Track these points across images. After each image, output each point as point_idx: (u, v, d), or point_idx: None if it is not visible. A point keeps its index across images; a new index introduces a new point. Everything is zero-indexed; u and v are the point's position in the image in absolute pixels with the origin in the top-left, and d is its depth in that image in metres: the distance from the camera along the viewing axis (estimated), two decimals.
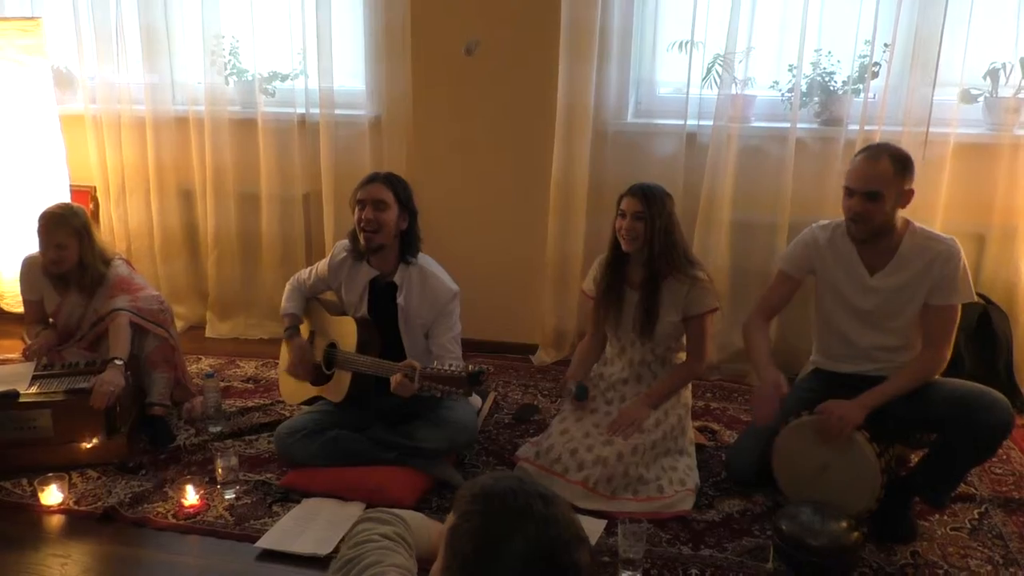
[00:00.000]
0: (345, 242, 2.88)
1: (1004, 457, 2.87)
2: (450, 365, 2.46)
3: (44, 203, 3.13)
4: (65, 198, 3.77)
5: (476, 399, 3.06)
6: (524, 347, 3.81)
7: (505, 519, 1.10)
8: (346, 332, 2.81)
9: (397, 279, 2.78)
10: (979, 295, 3.28)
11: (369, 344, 2.75)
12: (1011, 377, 3.27)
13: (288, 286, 3.04)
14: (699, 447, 2.86)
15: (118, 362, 2.86)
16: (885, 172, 2.34)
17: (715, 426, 3.14)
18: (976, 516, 2.54)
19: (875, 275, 2.46)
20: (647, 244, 2.65)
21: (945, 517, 2.52)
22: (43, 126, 3.81)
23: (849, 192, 2.40)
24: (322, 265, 2.97)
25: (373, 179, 2.76)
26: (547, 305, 3.72)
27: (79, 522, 2.54)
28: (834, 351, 2.61)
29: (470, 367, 2.41)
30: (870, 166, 2.35)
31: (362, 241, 2.74)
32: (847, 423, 2.34)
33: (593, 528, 2.43)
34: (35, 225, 3.02)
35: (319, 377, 2.88)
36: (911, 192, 2.39)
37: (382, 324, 2.80)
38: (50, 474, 2.62)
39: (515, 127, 3.61)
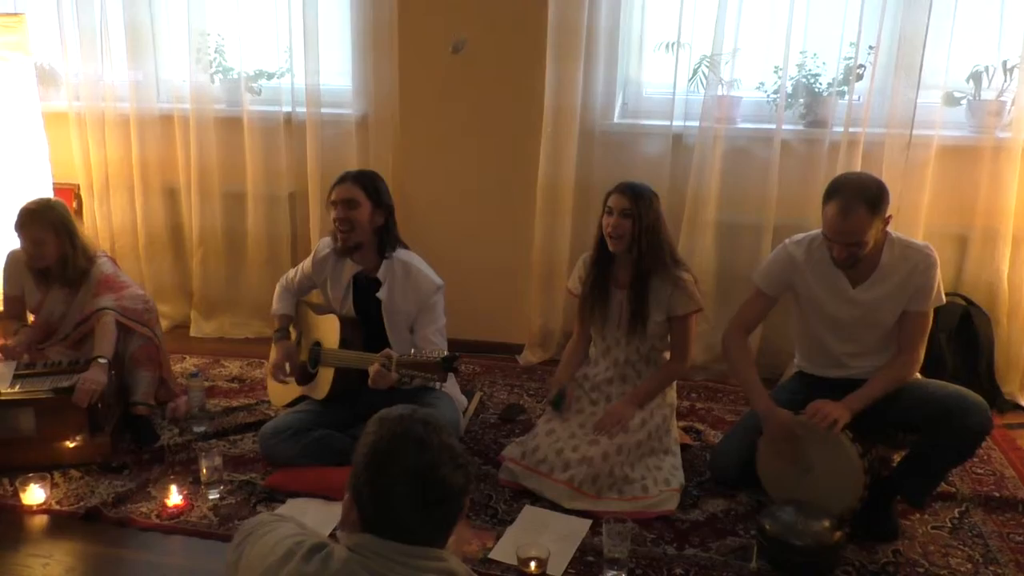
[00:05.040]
0: (328, 239, 2.88)
1: (984, 457, 2.90)
2: (424, 351, 2.49)
3: (27, 200, 3.09)
4: (48, 196, 3.74)
5: (462, 399, 3.06)
6: (510, 347, 3.81)
7: (388, 440, 1.28)
8: (330, 329, 2.81)
9: (380, 274, 2.79)
10: (961, 296, 3.31)
11: (351, 340, 2.75)
12: (992, 378, 3.31)
13: (277, 287, 3.05)
14: (684, 447, 2.87)
15: (102, 360, 2.84)
16: (860, 223, 2.30)
17: (700, 426, 3.15)
18: (957, 515, 2.56)
19: (857, 287, 2.47)
20: (634, 242, 2.66)
21: (926, 516, 2.54)
22: (26, 123, 3.77)
23: (829, 240, 2.39)
24: (307, 262, 2.98)
25: (343, 179, 2.76)
26: (533, 305, 3.72)
27: (61, 522, 2.52)
28: (818, 359, 2.63)
29: (444, 352, 2.43)
30: (844, 221, 2.31)
31: (339, 240, 2.75)
32: (835, 422, 2.36)
33: (578, 528, 2.44)
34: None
35: (304, 376, 2.88)
36: (889, 218, 2.39)
37: (367, 319, 2.81)
38: (31, 474, 2.60)
39: (502, 127, 3.61)
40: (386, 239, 2.79)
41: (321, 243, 2.95)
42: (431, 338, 2.74)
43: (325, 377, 2.78)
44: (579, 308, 2.86)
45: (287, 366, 2.86)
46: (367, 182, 2.75)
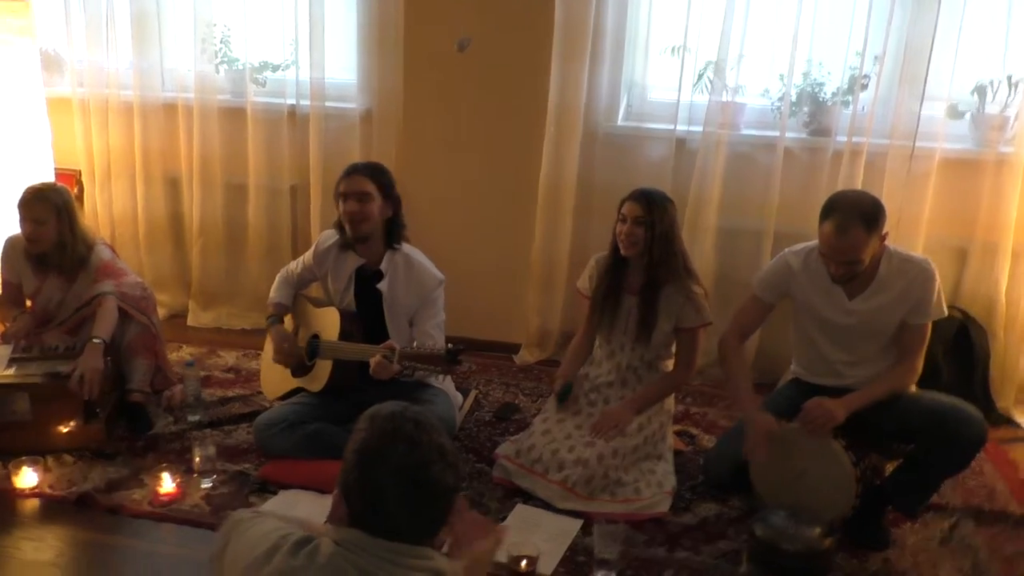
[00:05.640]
0: (331, 231, 2.89)
1: (977, 469, 2.90)
2: (428, 344, 2.49)
3: (28, 184, 3.09)
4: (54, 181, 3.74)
5: (457, 396, 3.06)
6: (507, 346, 3.81)
7: (379, 438, 1.29)
8: (329, 322, 2.81)
9: (383, 267, 2.79)
10: (958, 309, 3.32)
11: (351, 334, 2.76)
12: (987, 390, 3.32)
13: (277, 277, 3.06)
14: (677, 453, 2.87)
15: (96, 341, 2.83)
16: (858, 242, 2.31)
17: (694, 430, 3.15)
18: (947, 527, 2.57)
19: (854, 299, 2.48)
20: (647, 250, 2.66)
21: (917, 526, 2.55)
22: (29, 108, 3.77)
23: (827, 257, 2.40)
24: (308, 254, 2.99)
25: (354, 171, 2.77)
26: (532, 305, 3.72)
27: (53, 506, 2.52)
28: (814, 367, 2.64)
29: (448, 345, 2.44)
30: (841, 240, 2.31)
31: (349, 231, 2.75)
32: (830, 419, 2.36)
33: (569, 528, 2.44)
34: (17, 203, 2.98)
35: (300, 369, 2.88)
36: (886, 234, 2.40)
37: (368, 312, 2.81)
38: (24, 457, 2.60)
39: (505, 126, 3.61)
40: (393, 231, 2.80)
41: (323, 235, 2.95)
42: (431, 332, 2.75)
43: (323, 369, 2.78)
44: (589, 310, 2.86)
45: (286, 347, 2.85)
46: (377, 175, 2.76)
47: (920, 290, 2.41)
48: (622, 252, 2.70)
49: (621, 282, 2.77)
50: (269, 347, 3.00)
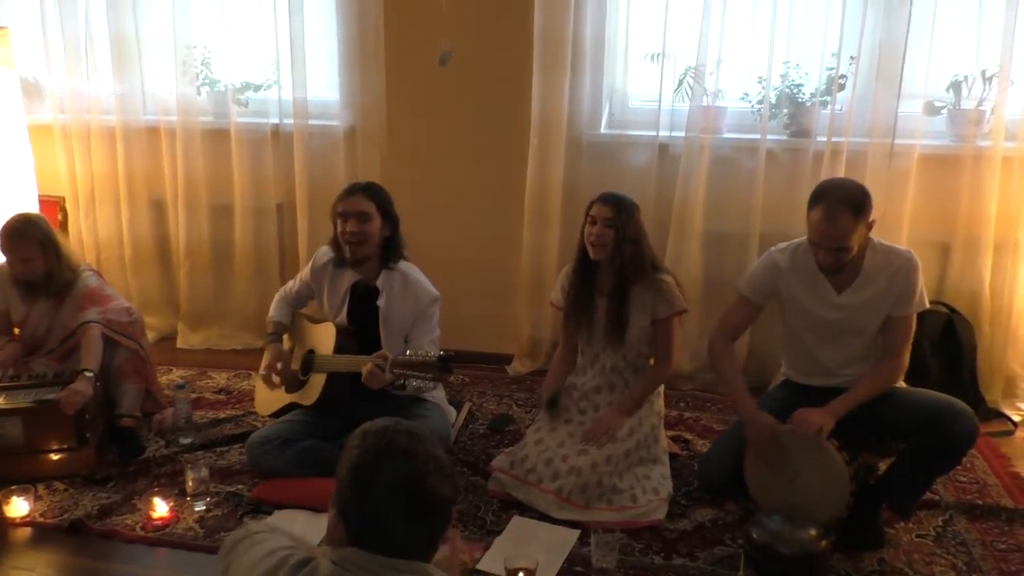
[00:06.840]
0: (327, 248, 2.89)
1: (968, 465, 2.90)
2: (419, 352, 2.49)
3: (12, 214, 3.08)
4: (34, 208, 3.72)
5: (451, 410, 3.07)
6: (499, 357, 3.81)
7: (374, 453, 1.27)
8: (325, 337, 2.82)
9: (379, 283, 2.80)
10: (943, 304, 3.34)
11: (347, 349, 2.76)
12: (975, 385, 3.33)
13: (276, 296, 3.07)
14: (672, 456, 2.87)
15: (88, 374, 2.83)
16: (846, 228, 2.33)
17: (688, 435, 3.16)
18: (941, 523, 2.58)
19: (842, 293, 2.50)
20: (617, 251, 2.67)
21: (911, 524, 2.55)
22: (11, 136, 3.76)
23: (815, 245, 2.42)
24: (306, 270, 3.00)
25: (353, 191, 2.78)
26: (522, 315, 3.73)
27: (46, 535, 2.50)
28: (803, 367, 2.65)
29: (440, 352, 2.44)
30: (831, 227, 2.33)
31: (347, 253, 2.77)
32: (819, 430, 2.37)
33: (566, 538, 2.44)
34: None
35: (294, 384, 2.88)
36: (872, 223, 2.42)
37: (363, 328, 2.82)
38: (14, 486, 2.58)
39: (489, 138, 3.62)
40: (391, 250, 2.81)
41: (320, 251, 2.96)
42: (426, 347, 2.75)
43: (316, 382, 2.79)
44: (564, 320, 2.87)
45: (279, 367, 2.85)
46: (377, 195, 2.78)
47: (904, 280, 2.43)
48: (591, 255, 2.71)
49: (592, 286, 2.78)
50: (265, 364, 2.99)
